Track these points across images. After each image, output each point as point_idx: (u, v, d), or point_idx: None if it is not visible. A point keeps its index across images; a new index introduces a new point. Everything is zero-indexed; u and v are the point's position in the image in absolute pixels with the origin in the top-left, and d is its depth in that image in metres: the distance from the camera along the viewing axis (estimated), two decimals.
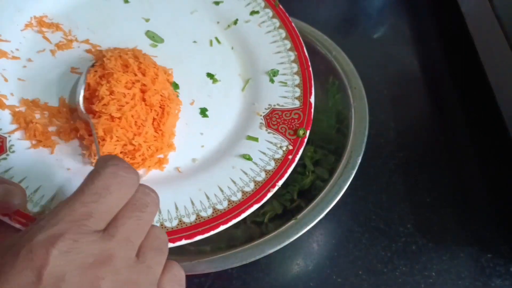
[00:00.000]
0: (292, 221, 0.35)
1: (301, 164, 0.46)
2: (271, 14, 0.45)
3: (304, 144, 0.37)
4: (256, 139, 0.38)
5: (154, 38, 0.42)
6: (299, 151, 0.37)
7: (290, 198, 0.44)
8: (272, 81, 0.41)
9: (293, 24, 0.44)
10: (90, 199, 0.21)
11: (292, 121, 0.38)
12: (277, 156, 0.36)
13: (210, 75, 0.41)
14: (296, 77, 0.41)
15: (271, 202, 0.44)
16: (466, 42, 0.55)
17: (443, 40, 0.61)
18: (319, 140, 0.48)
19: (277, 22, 0.44)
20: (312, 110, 0.39)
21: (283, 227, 0.35)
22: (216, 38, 0.44)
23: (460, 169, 0.48)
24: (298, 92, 0.40)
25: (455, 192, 0.46)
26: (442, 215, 0.44)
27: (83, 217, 0.20)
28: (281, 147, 0.37)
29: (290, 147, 0.37)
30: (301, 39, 0.43)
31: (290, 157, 0.36)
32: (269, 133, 0.38)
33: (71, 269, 0.19)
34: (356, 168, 0.37)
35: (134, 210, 0.22)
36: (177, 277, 0.24)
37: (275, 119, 0.39)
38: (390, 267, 0.41)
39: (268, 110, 0.39)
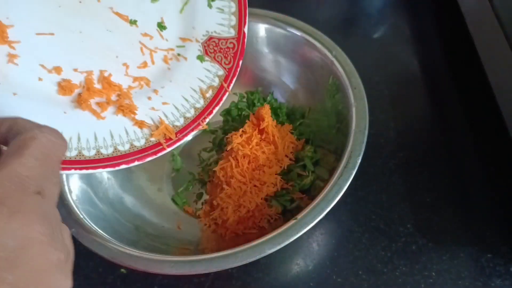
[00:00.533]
0: (292, 221, 0.35)
1: (301, 164, 0.46)
2: None
3: (237, 73, 0.39)
4: (201, 58, 0.39)
5: None
6: (232, 81, 0.38)
7: (290, 198, 0.44)
8: (210, 6, 0.41)
9: None
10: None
11: (228, 50, 0.39)
12: (214, 84, 0.38)
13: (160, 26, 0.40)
14: (233, 4, 0.41)
15: (271, 202, 0.44)
16: (466, 42, 0.55)
17: (443, 40, 0.61)
18: (319, 140, 0.48)
19: None
20: (245, 40, 0.40)
21: (283, 227, 0.35)
22: None
23: (460, 169, 0.48)
24: (233, 20, 0.41)
25: (455, 192, 0.46)
26: (442, 215, 0.44)
27: None
28: (217, 75, 0.38)
29: (225, 76, 0.38)
30: None
31: (225, 85, 0.38)
32: (206, 60, 0.39)
33: None
34: (356, 168, 0.37)
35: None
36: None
37: (212, 47, 0.39)
38: (390, 267, 0.41)
39: (205, 37, 0.40)
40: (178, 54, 0.39)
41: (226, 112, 0.52)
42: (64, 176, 0.41)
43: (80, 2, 0.35)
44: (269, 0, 0.70)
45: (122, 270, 0.43)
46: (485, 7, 0.49)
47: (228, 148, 0.45)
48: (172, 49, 0.39)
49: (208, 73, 0.39)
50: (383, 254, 0.42)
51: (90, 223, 0.38)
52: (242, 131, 0.45)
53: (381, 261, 0.42)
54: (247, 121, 0.46)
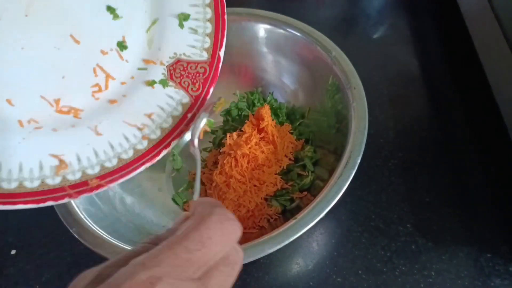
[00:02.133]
0: (292, 221, 0.35)
1: (301, 164, 0.46)
2: None
3: (206, 101, 0.34)
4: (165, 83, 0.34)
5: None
6: (199, 110, 0.33)
7: (290, 197, 0.45)
8: (181, 25, 0.36)
9: None
10: (194, 246, 0.21)
11: (197, 75, 0.35)
12: (176, 113, 0.33)
13: (110, 9, 0.35)
14: (209, 24, 0.37)
15: (271, 202, 0.44)
16: (465, 42, 0.55)
17: (443, 40, 0.62)
18: (318, 140, 0.48)
19: None
20: (220, 65, 0.36)
21: (283, 227, 0.35)
22: None
23: (460, 169, 0.48)
24: (208, 43, 0.36)
25: (455, 192, 0.46)
26: (442, 214, 0.44)
27: (184, 264, 0.21)
28: (181, 103, 0.34)
29: (190, 104, 0.33)
30: None
31: (189, 115, 0.33)
32: (170, 86, 0.34)
33: None
34: (356, 168, 0.37)
35: (226, 265, 0.23)
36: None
37: (179, 71, 0.35)
38: (390, 267, 0.41)
39: (172, 60, 0.35)
40: (132, 77, 0.35)
41: (226, 112, 0.52)
42: None
43: (26, 16, 0.31)
44: (269, 1, 0.70)
45: None
46: (484, 7, 0.49)
47: (222, 150, 0.45)
48: (131, 75, 0.35)
49: (170, 101, 0.34)
50: (382, 253, 0.42)
51: (90, 223, 0.38)
52: (240, 130, 0.45)
53: (381, 261, 0.42)
54: (246, 121, 0.46)
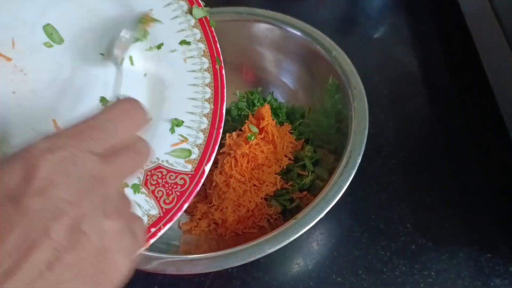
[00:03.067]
0: (292, 221, 0.35)
1: (301, 164, 0.46)
2: (203, 50, 0.37)
3: (176, 217, 0.30)
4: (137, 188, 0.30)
5: (52, 35, 0.34)
6: (166, 226, 0.29)
7: (290, 197, 0.45)
8: (172, 131, 0.34)
9: (223, 72, 0.37)
10: (96, 124, 0.22)
11: (174, 186, 0.31)
12: None
13: (104, 100, 0.33)
14: (201, 135, 0.34)
15: (271, 202, 0.44)
16: (466, 42, 0.55)
17: (443, 40, 0.61)
18: (318, 140, 0.48)
19: (206, 63, 0.36)
20: (203, 180, 0.32)
21: (283, 227, 0.35)
22: (130, 57, 0.35)
23: (460, 169, 0.48)
24: (196, 154, 0.33)
25: (455, 192, 0.46)
26: (442, 215, 0.44)
27: (86, 138, 0.21)
28: (148, 214, 0.30)
29: (157, 218, 0.30)
30: (225, 93, 0.36)
31: (153, 229, 0.29)
32: (141, 193, 0.31)
33: (64, 178, 0.19)
34: (356, 167, 0.37)
35: (132, 150, 0.23)
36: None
37: (156, 178, 0.32)
38: (390, 267, 0.41)
39: (153, 165, 0.32)
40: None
41: (226, 112, 0.52)
42: None
43: (14, 93, 0.31)
44: (269, 1, 0.70)
45: None
46: (485, 7, 0.49)
47: (222, 150, 0.45)
48: None
49: (137, 210, 0.30)
50: (382, 253, 0.42)
51: None
52: (240, 130, 0.45)
53: (381, 261, 0.42)
54: (246, 121, 0.46)
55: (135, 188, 0.31)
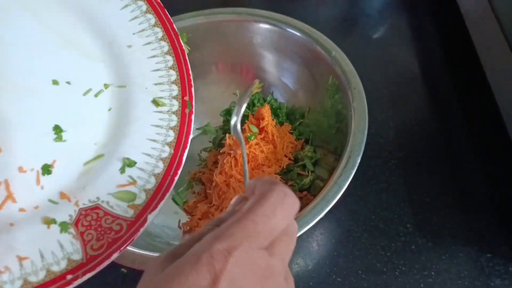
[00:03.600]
0: None
1: (300, 164, 0.46)
2: (175, 92, 0.35)
3: (100, 266, 0.27)
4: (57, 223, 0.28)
5: None
6: (85, 275, 0.26)
7: None
8: (123, 171, 0.31)
9: (192, 117, 0.34)
10: (260, 219, 0.23)
11: (107, 231, 0.28)
12: (55, 268, 0.26)
13: (57, 129, 0.32)
14: (153, 180, 0.31)
15: None
16: (466, 42, 0.55)
17: (442, 40, 0.62)
18: (318, 140, 0.48)
19: (175, 105, 0.34)
20: (142, 230, 0.29)
21: None
22: (100, 91, 0.34)
23: (459, 169, 0.48)
24: (142, 199, 0.30)
25: (455, 192, 0.46)
26: (442, 215, 0.44)
27: (254, 235, 0.23)
28: (68, 258, 0.27)
29: (79, 264, 0.27)
30: (189, 139, 0.34)
31: (69, 276, 0.26)
32: (68, 233, 0.28)
33: (244, 277, 0.21)
34: (356, 167, 0.37)
35: (288, 234, 0.25)
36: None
37: (89, 219, 0.29)
38: (390, 267, 0.41)
39: (90, 204, 0.29)
40: (36, 207, 0.29)
41: (226, 112, 0.52)
42: None
43: None
44: (269, 1, 0.70)
45: (123, 269, 0.43)
46: (484, 7, 0.49)
47: (222, 150, 0.45)
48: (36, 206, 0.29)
49: (58, 251, 0.27)
50: (382, 253, 0.42)
51: None
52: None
53: (381, 261, 0.42)
54: (246, 121, 0.46)
55: (63, 227, 0.28)
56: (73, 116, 0.32)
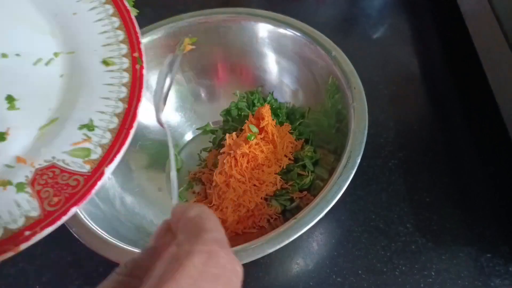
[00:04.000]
0: (292, 221, 0.35)
1: (300, 164, 0.46)
2: (124, 51, 0.36)
3: (59, 221, 0.27)
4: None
5: None
6: (44, 230, 0.26)
7: (290, 197, 0.45)
8: (80, 128, 0.32)
9: (143, 72, 0.35)
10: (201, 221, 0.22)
11: (64, 188, 0.28)
12: (13, 226, 0.26)
13: (10, 98, 0.32)
14: (108, 135, 0.31)
15: (271, 202, 0.44)
16: (465, 42, 0.55)
17: (442, 40, 0.62)
18: (318, 140, 0.48)
19: (126, 63, 0.35)
20: (99, 183, 0.29)
21: (283, 227, 0.35)
22: (50, 60, 0.34)
23: (460, 169, 0.48)
24: (97, 154, 0.30)
25: (455, 191, 0.46)
26: (442, 214, 0.44)
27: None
28: (26, 216, 0.27)
29: (34, 221, 0.27)
30: (142, 94, 0.34)
31: (27, 232, 0.26)
32: (26, 192, 0.28)
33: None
34: (356, 167, 0.37)
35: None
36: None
37: (45, 178, 0.29)
38: (390, 267, 0.41)
39: (46, 164, 0.29)
40: None
41: (226, 112, 0.52)
42: None
43: None
44: (269, 1, 0.70)
45: None
46: (484, 7, 0.49)
47: (222, 150, 0.45)
48: None
49: (15, 209, 0.27)
50: (382, 253, 0.42)
51: (90, 223, 0.38)
52: (240, 130, 0.45)
53: (381, 261, 0.42)
54: (246, 121, 0.46)
55: (19, 187, 0.28)
56: (25, 85, 0.33)
